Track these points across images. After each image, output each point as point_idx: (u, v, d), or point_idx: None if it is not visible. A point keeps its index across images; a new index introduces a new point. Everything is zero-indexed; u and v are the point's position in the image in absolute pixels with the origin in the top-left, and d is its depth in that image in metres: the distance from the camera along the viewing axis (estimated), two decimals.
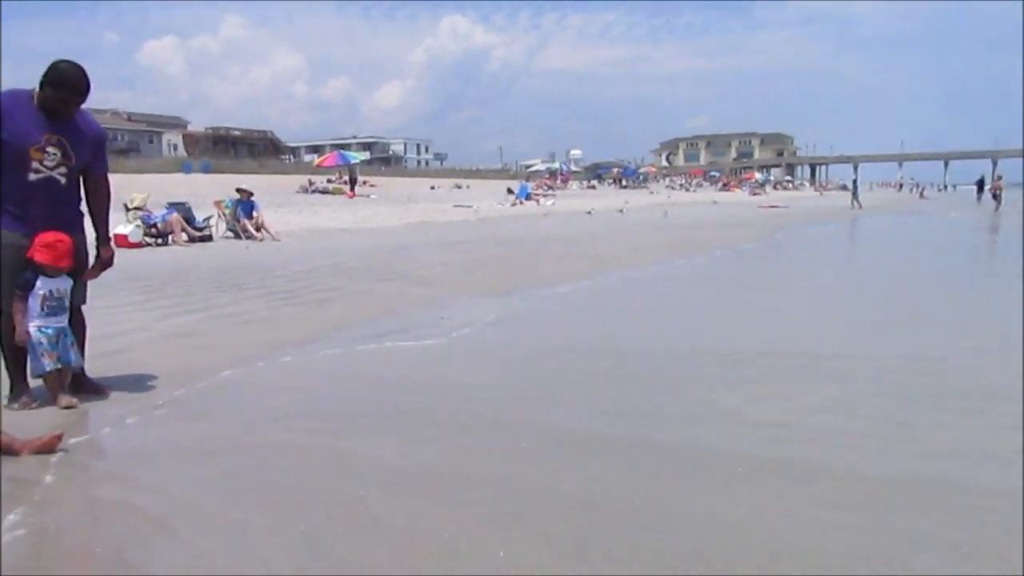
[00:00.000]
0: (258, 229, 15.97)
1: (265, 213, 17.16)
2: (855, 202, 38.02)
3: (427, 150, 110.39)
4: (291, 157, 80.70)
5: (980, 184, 45.23)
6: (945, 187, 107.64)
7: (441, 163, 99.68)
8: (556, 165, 68.84)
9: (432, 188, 45.67)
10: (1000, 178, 35.55)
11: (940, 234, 22.64)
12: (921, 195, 68.85)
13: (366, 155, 57.93)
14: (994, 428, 4.07)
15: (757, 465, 3.52)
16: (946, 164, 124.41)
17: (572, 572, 2.58)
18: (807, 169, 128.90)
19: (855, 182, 42.81)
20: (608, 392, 4.90)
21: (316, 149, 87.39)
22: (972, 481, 3.37)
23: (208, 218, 16.14)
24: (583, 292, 9.47)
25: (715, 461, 3.59)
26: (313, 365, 5.56)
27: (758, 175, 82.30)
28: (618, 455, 3.69)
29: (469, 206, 30.50)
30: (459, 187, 48.06)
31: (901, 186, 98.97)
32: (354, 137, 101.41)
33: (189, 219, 15.45)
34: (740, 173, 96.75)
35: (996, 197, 32.17)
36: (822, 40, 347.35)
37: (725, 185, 74.21)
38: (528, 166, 76.69)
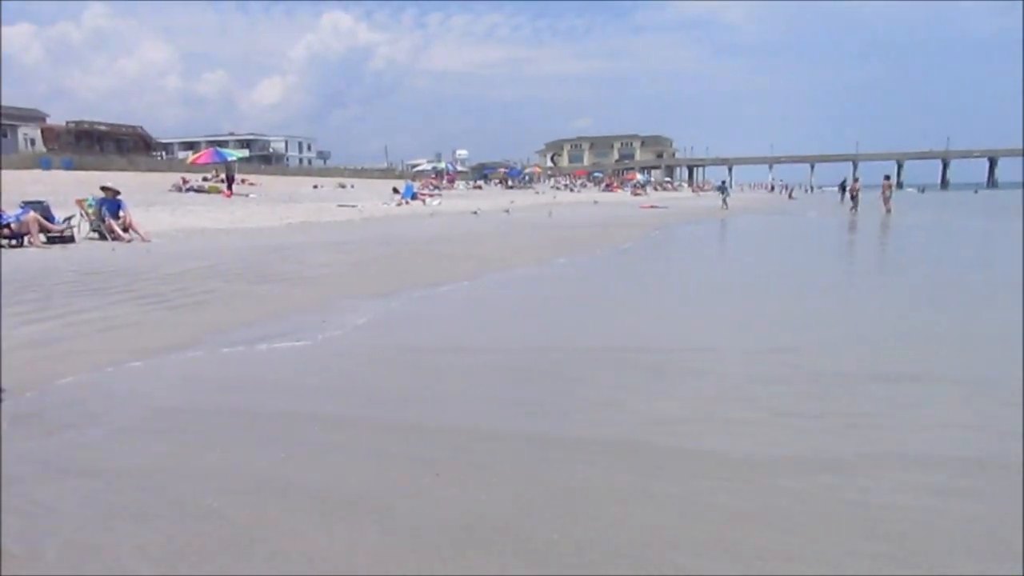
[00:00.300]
0: (125, 230, 15.11)
1: (134, 212, 16.25)
2: (724, 203, 40.06)
3: (310, 148, 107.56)
4: (163, 154, 76.72)
5: (843, 186, 48.46)
6: (812, 188, 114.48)
7: (324, 162, 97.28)
8: (442, 165, 68.72)
9: (315, 187, 44.52)
10: (857, 180, 38.10)
11: (803, 233, 24.05)
12: (790, 196, 72.86)
13: (245, 153, 55.66)
14: (860, 411, 4.36)
15: (666, 455, 3.64)
16: (812, 167, 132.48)
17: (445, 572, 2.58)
18: (685, 170, 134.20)
19: (724, 184, 45.04)
20: (490, 390, 4.92)
21: (191, 146, 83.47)
22: (855, 458, 3.62)
23: (69, 218, 15.11)
24: (467, 292, 9.49)
25: (616, 453, 3.68)
26: (174, 370, 5.31)
27: (639, 176, 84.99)
28: (504, 449, 3.71)
29: (353, 206, 29.96)
30: (343, 187, 47.08)
31: (773, 187, 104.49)
32: (232, 134, 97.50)
33: (48, 219, 14.42)
34: (622, 174, 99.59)
35: (854, 198, 34.47)
36: (698, 45, 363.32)
37: (608, 186, 76.19)
38: (414, 166, 76.20)
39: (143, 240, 14.85)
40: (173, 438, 3.94)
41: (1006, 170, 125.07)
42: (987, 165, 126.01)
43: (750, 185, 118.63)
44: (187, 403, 4.57)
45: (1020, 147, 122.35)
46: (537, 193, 55.83)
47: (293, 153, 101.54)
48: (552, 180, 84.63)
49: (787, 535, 2.85)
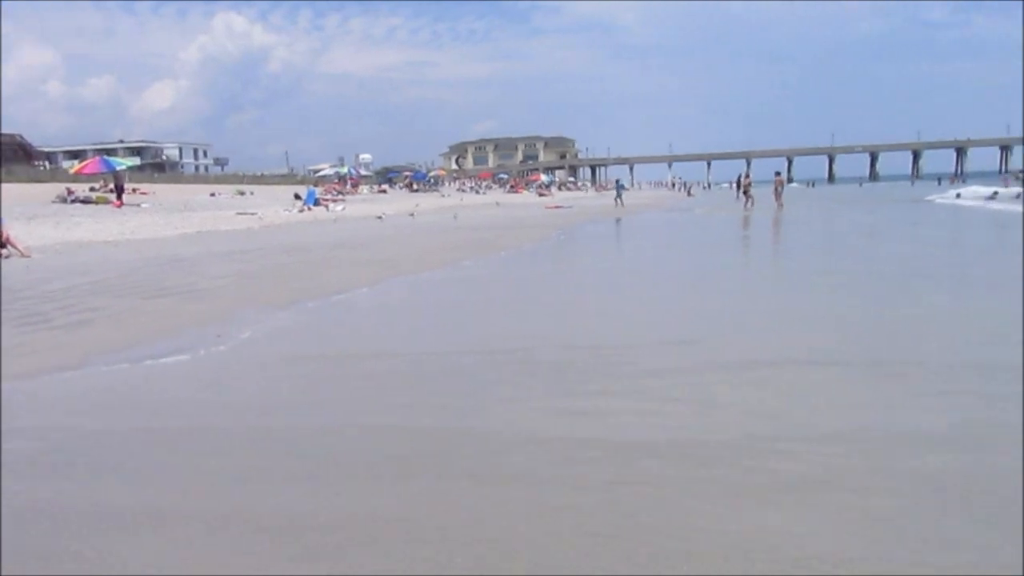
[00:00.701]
0: (2, 245, 14.18)
1: (11, 226, 15.27)
2: (618, 201, 41.08)
3: (206, 155, 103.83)
4: (46, 163, 72.48)
5: (738, 182, 50.31)
6: (709, 185, 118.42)
7: (222, 168, 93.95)
8: (345, 169, 67.53)
9: (212, 195, 43.02)
10: (749, 177, 39.59)
11: (700, 229, 24.89)
12: (688, 193, 75.20)
13: (136, 161, 53.29)
14: (761, 397, 4.53)
15: (577, 447, 3.67)
16: (709, 164, 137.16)
17: None
18: (589, 170, 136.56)
19: (619, 183, 46.35)
20: (394, 395, 4.86)
21: (76, 155, 79.17)
22: (773, 436, 3.74)
23: None
24: (370, 298, 9.37)
25: (518, 446, 3.68)
26: (53, 391, 5.02)
27: (544, 177, 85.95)
28: (406, 448, 3.67)
29: (253, 213, 29.08)
30: (242, 194, 45.69)
31: (673, 184, 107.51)
32: (121, 141, 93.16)
33: None
34: (527, 175, 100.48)
35: (747, 194, 35.84)
36: (595, 47, 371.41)
37: (513, 187, 76.70)
38: (316, 171, 74.62)
39: (23, 255, 13.98)
40: (47, 461, 3.71)
41: (886, 164, 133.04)
42: (868, 160, 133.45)
43: (650, 183, 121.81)
44: (67, 424, 4.32)
45: (899, 142, 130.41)
46: (443, 196, 55.67)
47: (188, 160, 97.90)
48: (458, 182, 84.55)
49: (688, 514, 2.92)
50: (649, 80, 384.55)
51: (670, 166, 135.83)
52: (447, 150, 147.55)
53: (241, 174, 72.93)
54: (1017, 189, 44.21)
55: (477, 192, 68.66)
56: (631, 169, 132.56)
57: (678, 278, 11.71)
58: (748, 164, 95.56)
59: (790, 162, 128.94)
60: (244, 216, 27.87)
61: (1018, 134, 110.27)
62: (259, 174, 76.79)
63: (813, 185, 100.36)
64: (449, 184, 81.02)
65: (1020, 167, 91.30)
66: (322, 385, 5.24)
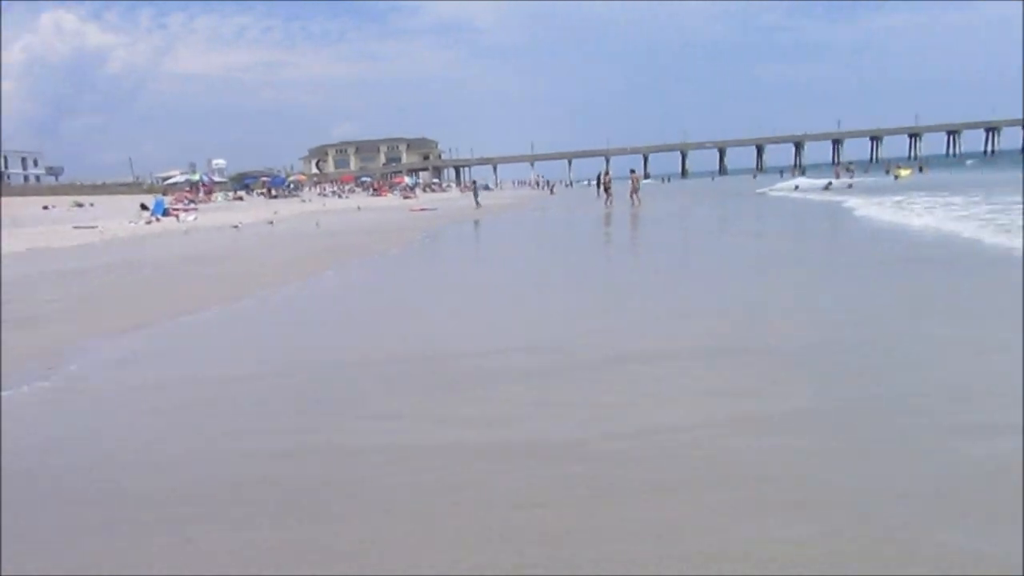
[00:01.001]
0: None
1: None
2: (476, 201, 41.34)
3: (36, 163, 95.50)
4: None
5: (599, 180, 51.64)
6: (571, 183, 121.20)
7: (56, 178, 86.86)
8: (197, 176, 64.27)
9: (46, 208, 39.78)
10: (608, 174, 40.75)
11: (563, 228, 25.36)
12: (551, 191, 76.59)
13: None
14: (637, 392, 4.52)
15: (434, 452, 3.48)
16: (570, 162, 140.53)
17: None
18: (453, 171, 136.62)
19: (476, 184, 46.79)
20: (247, 418, 4.50)
21: None
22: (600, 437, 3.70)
23: None
24: (224, 317, 8.79)
25: (384, 457, 3.46)
26: None
27: (408, 179, 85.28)
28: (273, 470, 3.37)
29: (93, 227, 27.03)
30: (80, 206, 42.59)
31: (537, 183, 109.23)
32: None
33: None
34: (391, 177, 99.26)
35: (607, 191, 36.88)
36: (455, 48, 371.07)
37: (376, 190, 75.56)
38: (165, 178, 70.37)
39: None
40: None
41: (734, 158, 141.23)
42: (718, 155, 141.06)
43: (514, 182, 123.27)
44: None
45: (745, 137, 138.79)
46: (303, 201, 53.97)
47: (16, 170, 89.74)
48: (319, 187, 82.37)
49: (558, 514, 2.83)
50: (510, 81, 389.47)
51: (532, 165, 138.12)
52: (307, 154, 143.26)
53: (79, 184, 67.98)
54: (847, 180, 48.97)
55: (339, 196, 67.08)
56: (495, 169, 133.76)
57: (538, 280, 11.74)
58: (607, 162, 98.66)
59: (646, 159, 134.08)
60: (83, 230, 25.84)
61: (847, 128, 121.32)
62: (100, 183, 71.73)
63: (668, 180, 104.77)
64: (310, 189, 78.81)
65: (850, 160, 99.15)
66: (162, 419, 4.80)
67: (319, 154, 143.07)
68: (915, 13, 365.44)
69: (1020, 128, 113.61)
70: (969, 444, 3.73)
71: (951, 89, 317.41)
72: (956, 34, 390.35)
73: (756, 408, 4.42)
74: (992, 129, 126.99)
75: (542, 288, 10.59)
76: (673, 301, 8.70)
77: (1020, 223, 13.53)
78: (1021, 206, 16.76)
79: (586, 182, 62.04)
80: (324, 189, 78.20)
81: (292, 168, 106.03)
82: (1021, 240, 11.24)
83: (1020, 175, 31.50)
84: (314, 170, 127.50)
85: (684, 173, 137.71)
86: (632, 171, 36.67)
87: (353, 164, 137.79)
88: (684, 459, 3.68)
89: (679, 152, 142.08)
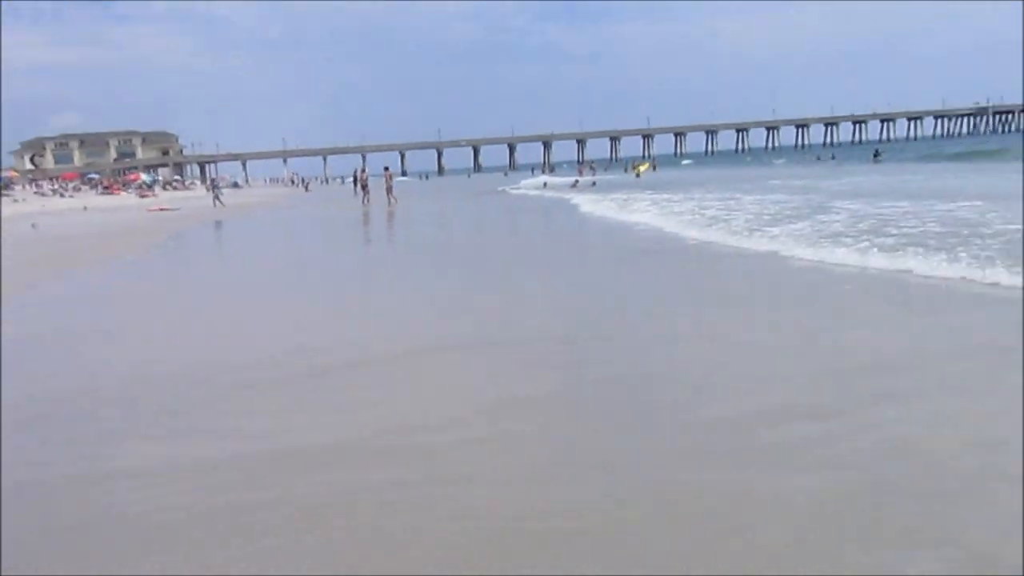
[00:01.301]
0: None
1: None
2: (217, 202, 38.81)
3: None
4: None
5: (355, 178, 50.91)
6: (327, 180, 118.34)
7: None
8: None
9: None
10: (365, 171, 40.37)
11: (320, 226, 24.80)
12: (306, 188, 74.24)
13: None
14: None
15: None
16: (325, 159, 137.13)
17: None
18: (197, 168, 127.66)
19: (214, 182, 44.37)
20: None
21: None
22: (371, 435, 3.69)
23: None
24: None
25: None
26: None
27: (144, 176, 78.17)
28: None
29: None
30: None
31: (292, 180, 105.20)
32: None
33: None
34: (124, 174, 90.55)
35: (365, 188, 36.55)
36: (194, 38, 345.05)
37: (107, 188, 68.53)
38: None
39: None
40: None
41: (487, 156, 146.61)
42: (472, 153, 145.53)
43: (266, 180, 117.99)
44: None
45: (497, 136, 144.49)
46: (17, 201, 47.49)
47: None
48: (35, 184, 73.07)
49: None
50: (262, 76, 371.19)
51: (285, 162, 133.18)
52: (19, 147, 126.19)
53: None
54: (591, 177, 53.22)
55: (61, 195, 59.91)
56: (244, 165, 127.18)
57: (302, 283, 11.40)
58: (364, 159, 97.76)
59: (403, 156, 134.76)
60: None
61: (590, 129, 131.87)
62: None
63: (427, 177, 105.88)
64: (24, 187, 69.68)
65: (592, 159, 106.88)
66: None
67: (35, 147, 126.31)
68: (652, 24, 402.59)
69: (734, 131, 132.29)
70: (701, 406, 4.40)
71: (678, 95, 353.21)
72: (687, 45, 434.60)
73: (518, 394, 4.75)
74: (711, 132, 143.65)
75: (291, 292, 10.28)
76: (438, 297, 8.91)
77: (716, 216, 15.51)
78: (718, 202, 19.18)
79: (340, 179, 61.00)
80: (42, 187, 69.51)
81: (2, 164, 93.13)
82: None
83: (730, 172, 35.98)
84: (29, 165, 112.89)
85: (440, 170, 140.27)
86: (386, 168, 36.57)
87: (78, 159, 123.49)
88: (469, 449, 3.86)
89: (435, 150, 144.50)
